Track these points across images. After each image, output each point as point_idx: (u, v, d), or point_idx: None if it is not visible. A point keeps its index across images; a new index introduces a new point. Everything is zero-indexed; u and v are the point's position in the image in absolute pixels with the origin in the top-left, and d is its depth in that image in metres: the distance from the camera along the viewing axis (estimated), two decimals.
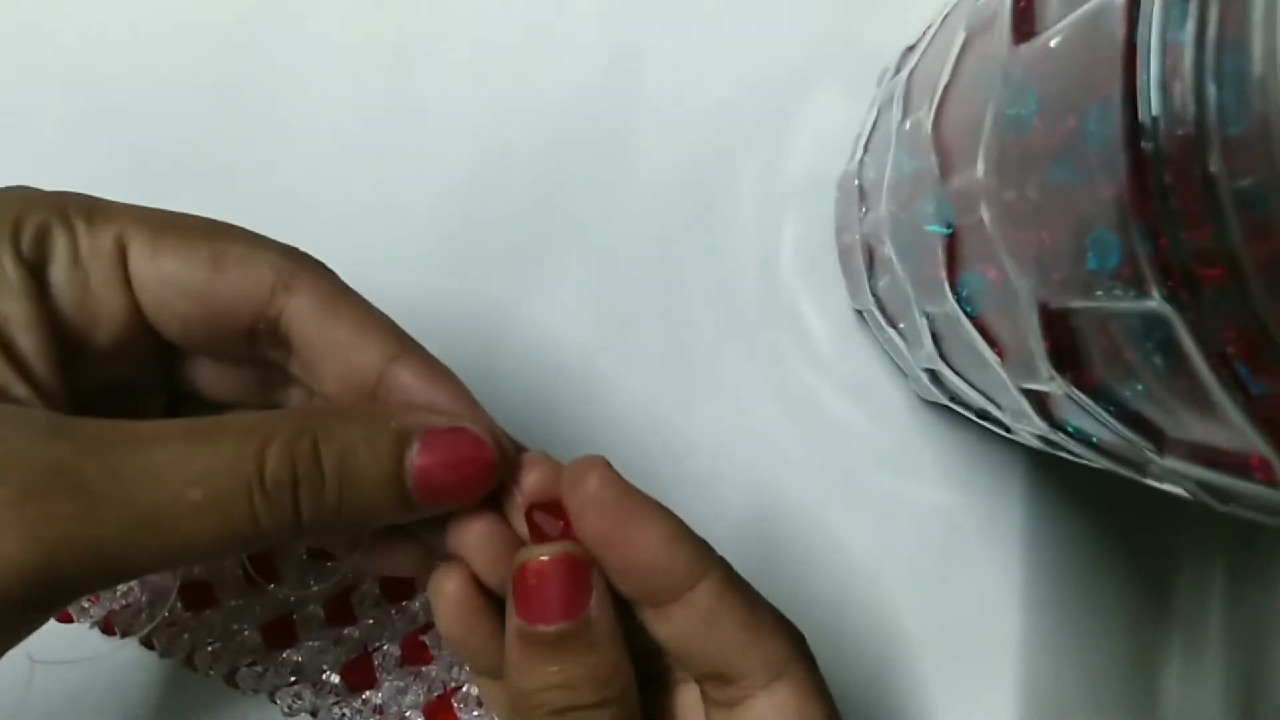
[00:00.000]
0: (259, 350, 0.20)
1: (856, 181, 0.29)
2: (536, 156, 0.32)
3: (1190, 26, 0.12)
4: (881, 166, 0.26)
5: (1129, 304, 0.14)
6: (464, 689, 0.28)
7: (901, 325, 0.27)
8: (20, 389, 0.17)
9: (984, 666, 0.31)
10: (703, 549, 0.20)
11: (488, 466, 0.18)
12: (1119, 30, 0.13)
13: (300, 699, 0.28)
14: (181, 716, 0.28)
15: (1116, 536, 0.32)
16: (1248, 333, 0.12)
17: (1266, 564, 0.32)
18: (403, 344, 0.19)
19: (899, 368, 0.32)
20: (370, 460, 0.17)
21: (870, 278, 0.28)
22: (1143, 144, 0.13)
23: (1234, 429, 0.13)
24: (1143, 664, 0.32)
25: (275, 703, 0.28)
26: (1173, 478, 0.17)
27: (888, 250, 0.25)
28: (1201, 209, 0.12)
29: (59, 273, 0.18)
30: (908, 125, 0.24)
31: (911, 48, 0.27)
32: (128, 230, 0.18)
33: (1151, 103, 0.13)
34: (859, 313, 0.32)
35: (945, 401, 0.29)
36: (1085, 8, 0.15)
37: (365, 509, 0.17)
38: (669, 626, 0.19)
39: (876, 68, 0.31)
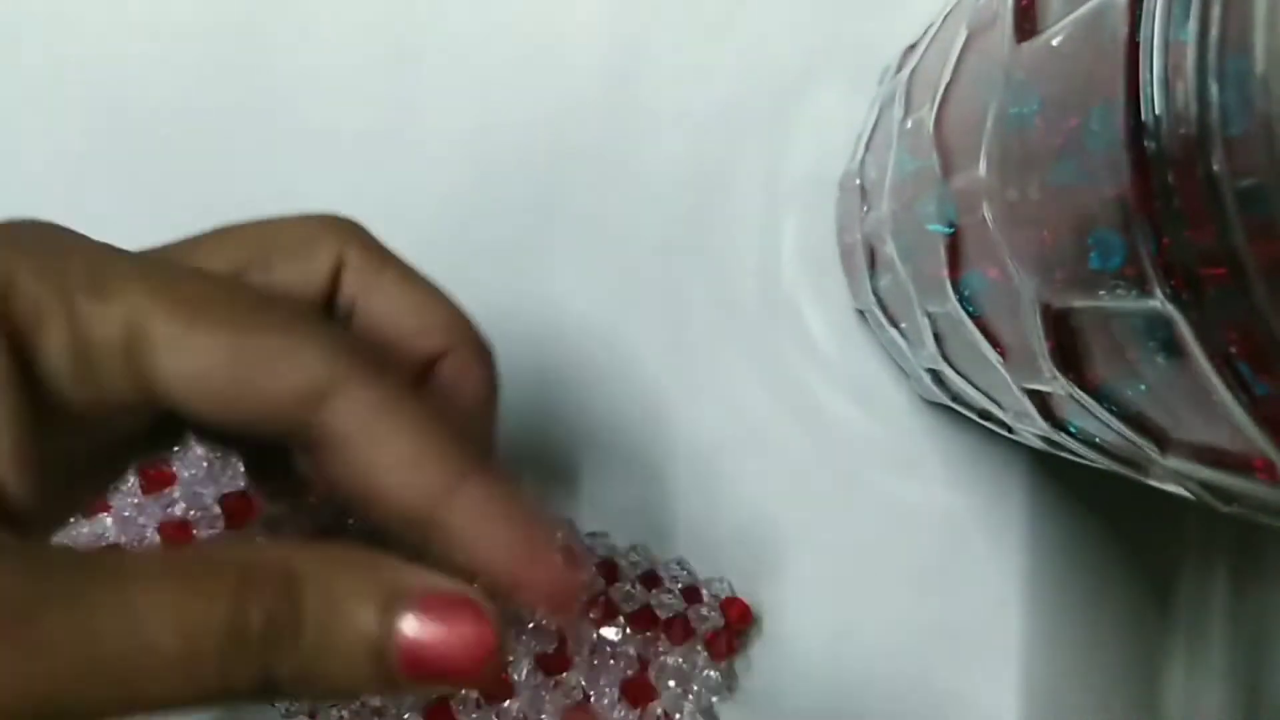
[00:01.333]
0: (292, 443, 0.17)
1: (858, 181, 0.29)
2: (536, 157, 0.32)
3: (1193, 26, 0.12)
4: (883, 166, 0.26)
5: (1132, 304, 0.14)
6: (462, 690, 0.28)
7: (903, 325, 0.27)
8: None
9: (985, 666, 0.31)
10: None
11: (486, 652, 0.15)
12: (1121, 29, 0.13)
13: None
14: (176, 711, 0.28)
15: (1119, 537, 0.32)
16: (1251, 333, 0.12)
17: (1269, 564, 0.32)
18: (468, 462, 0.16)
19: (900, 368, 0.32)
20: (351, 624, 0.14)
21: (872, 277, 0.28)
22: (1145, 143, 0.13)
23: (1237, 429, 0.13)
24: (1145, 664, 0.32)
25: (273, 704, 0.27)
26: (1175, 478, 0.17)
27: (889, 250, 0.25)
28: (1204, 209, 0.12)
29: (55, 362, 0.15)
30: (909, 124, 0.24)
31: (913, 46, 0.27)
32: (141, 310, 0.15)
33: (1154, 102, 0.13)
34: (860, 312, 0.32)
35: (947, 402, 0.29)
36: (1087, 6, 0.15)
37: (338, 679, 0.14)
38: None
39: (877, 67, 0.31)
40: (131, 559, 0.14)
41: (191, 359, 0.15)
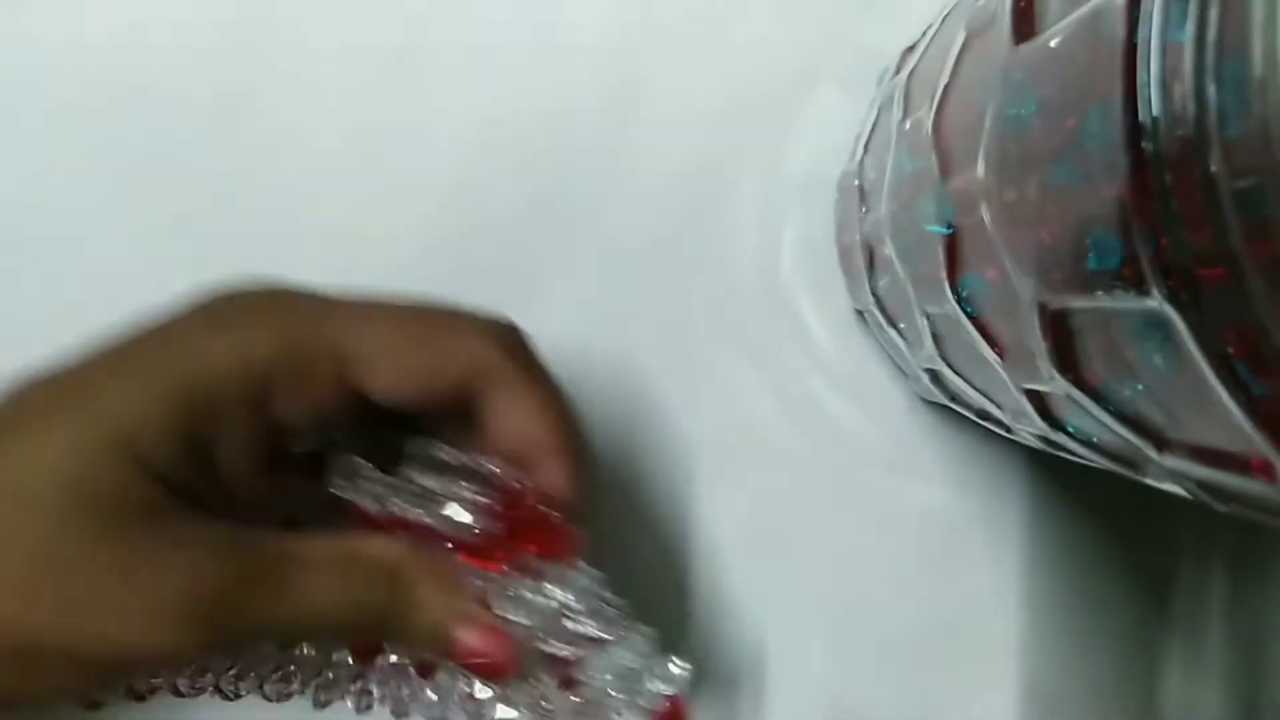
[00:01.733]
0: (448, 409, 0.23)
1: (856, 181, 0.29)
2: (536, 157, 0.32)
3: (1190, 27, 0.12)
4: (882, 167, 0.26)
5: (1130, 304, 0.14)
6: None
7: (902, 325, 0.27)
8: (220, 504, 0.21)
9: (984, 666, 0.31)
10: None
11: (508, 665, 0.23)
12: (1119, 31, 0.13)
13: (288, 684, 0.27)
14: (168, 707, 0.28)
15: (1117, 536, 0.32)
16: (1248, 333, 0.12)
17: (1267, 564, 0.32)
18: (563, 443, 0.23)
19: (899, 368, 0.32)
20: (433, 625, 0.22)
21: (870, 278, 0.28)
22: (1143, 144, 0.13)
23: (1235, 429, 0.13)
24: (1143, 664, 0.32)
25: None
26: (1173, 478, 0.17)
27: (888, 250, 0.25)
28: (1202, 210, 0.12)
29: (284, 381, 0.21)
30: (908, 125, 0.24)
31: (911, 48, 0.27)
32: (350, 333, 0.22)
33: (1152, 103, 0.13)
34: (859, 313, 0.32)
35: (945, 401, 0.29)
36: (1085, 8, 0.15)
37: (413, 646, 0.23)
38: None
39: (876, 68, 0.31)
40: (305, 548, 0.21)
41: (395, 365, 0.22)
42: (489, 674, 0.23)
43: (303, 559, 0.21)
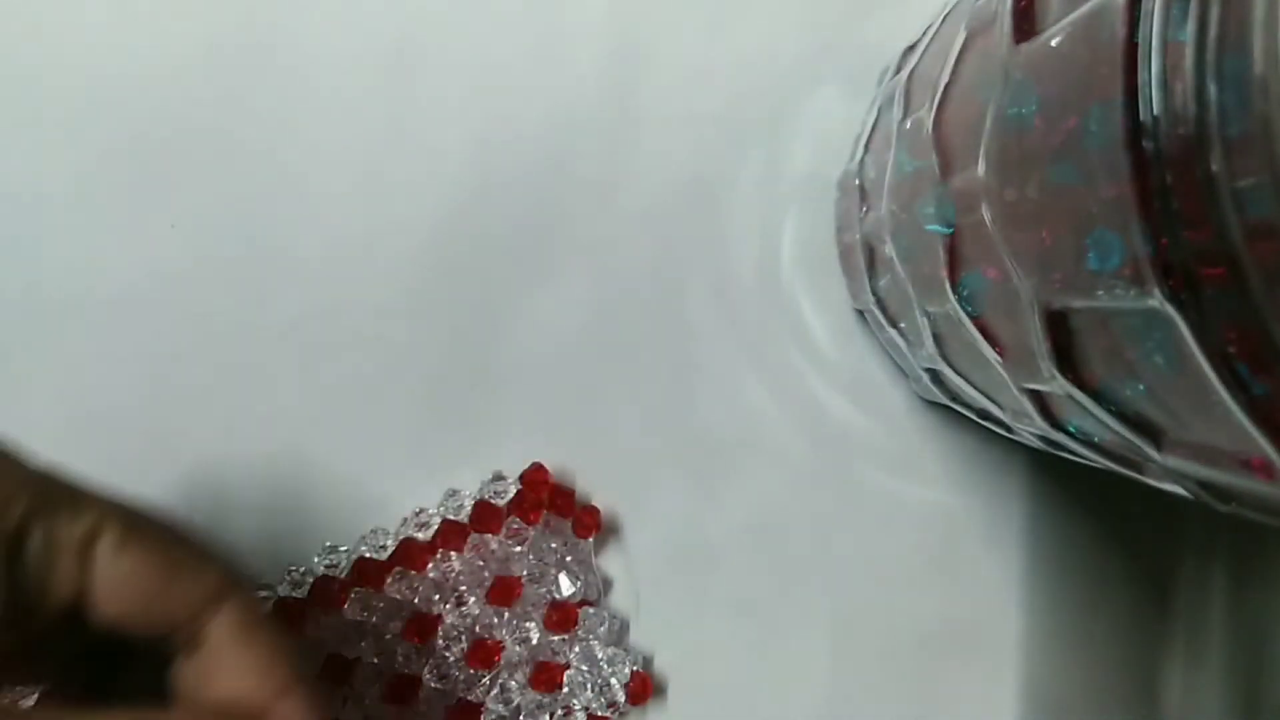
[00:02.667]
0: (171, 639, 0.22)
1: (857, 181, 0.29)
2: (536, 157, 0.32)
3: (1191, 26, 0.12)
4: (882, 166, 0.26)
5: (1130, 304, 0.14)
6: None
7: (902, 325, 0.27)
8: None
9: (984, 666, 0.31)
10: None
11: None
12: (1120, 30, 0.13)
13: None
14: None
15: (1117, 536, 0.32)
16: (1249, 333, 0.12)
17: (1268, 564, 0.32)
18: (291, 682, 0.22)
19: (900, 367, 0.32)
20: None
21: (871, 277, 0.28)
22: (1143, 144, 0.13)
23: (1235, 429, 0.13)
24: (1144, 664, 0.32)
25: None
26: (1174, 477, 0.17)
27: (888, 250, 0.25)
28: (1202, 209, 0.12)
29: (31, 559, 0.20)
30: (908, 125, 0.24)
31: (912, 47, 0.27)
32: (101, 524, 0.20)
33: (1152, 102, 0.13)
34: (860, 312, 0.32)
35: (946, 401, 0.29)
36: (1086, 7, 0.15)
37: None
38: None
39: (877, 67, 0.31)
40: None
41: (132, 563, 0.20)
42: None
43: None
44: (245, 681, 0.21)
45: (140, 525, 0.21)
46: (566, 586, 0.29)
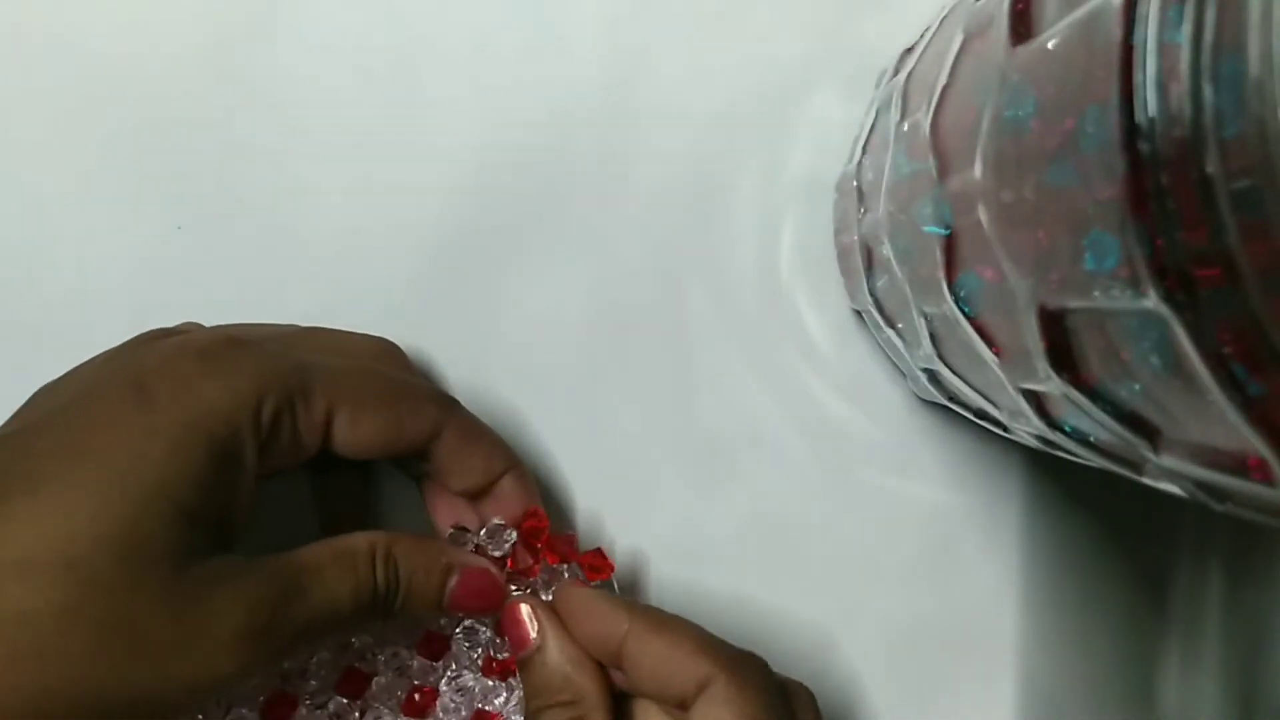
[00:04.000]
0: (409, 462, 0.28)
1: (855, 183, 0.29)
2: (536, 157, 0.32)
3: (1187, 28, 0.12)
4: (880, 168, 0.26)
5: (1126, 304, 0.14)
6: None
7: (900, 325, 0.28)
8: (227, 535, 0.23)
9: (983, 665, 0.32)
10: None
11: (497, 599, 0.26)
12: (1116, 32, 0.13)
13: None
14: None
15: (1114, 536, 0.32)
16: (1244, 333, 0.12)
17: (1264, 563, 0.33)
18: (508, 461, 0.28)
19: (897, 368, 0.32)
20: (426, 584, 0.25)
21: (869, 278, 0.28)
22: (1140, 145, 0.13)
23: (1231, 429, 0.14)
24: (1141, 663, 0.32)
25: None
26: (1170, 477, 0.17)
27: (886, 251, 0.25)
28: (1198, 210, 0.12)
29: (282, 439, 0.24)
30: (906, 127, 0.24)
31: (910, 49, 0.27)
32: (334, 404, 0.24)
33: (1148, 104, 0.13)
34: (857, 313, 0.32)
35: (943, 401, 0.29)
36: (1082, 9, 0.15)
37: (416, 609, 0.26)
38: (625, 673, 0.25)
39: (875, 69, 0.31)
40: (312, 556, 0.24)
41: (366, 430, 0.25)
42: (484, 610, 0.27)
43: (311, 566, 0.24)
44: (472, 474, 0.27)
45: (365, 396, 0.25)
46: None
